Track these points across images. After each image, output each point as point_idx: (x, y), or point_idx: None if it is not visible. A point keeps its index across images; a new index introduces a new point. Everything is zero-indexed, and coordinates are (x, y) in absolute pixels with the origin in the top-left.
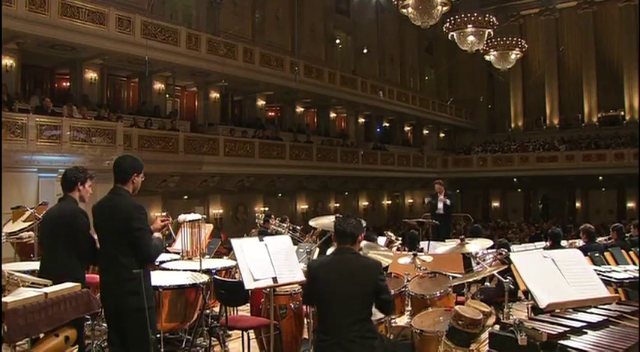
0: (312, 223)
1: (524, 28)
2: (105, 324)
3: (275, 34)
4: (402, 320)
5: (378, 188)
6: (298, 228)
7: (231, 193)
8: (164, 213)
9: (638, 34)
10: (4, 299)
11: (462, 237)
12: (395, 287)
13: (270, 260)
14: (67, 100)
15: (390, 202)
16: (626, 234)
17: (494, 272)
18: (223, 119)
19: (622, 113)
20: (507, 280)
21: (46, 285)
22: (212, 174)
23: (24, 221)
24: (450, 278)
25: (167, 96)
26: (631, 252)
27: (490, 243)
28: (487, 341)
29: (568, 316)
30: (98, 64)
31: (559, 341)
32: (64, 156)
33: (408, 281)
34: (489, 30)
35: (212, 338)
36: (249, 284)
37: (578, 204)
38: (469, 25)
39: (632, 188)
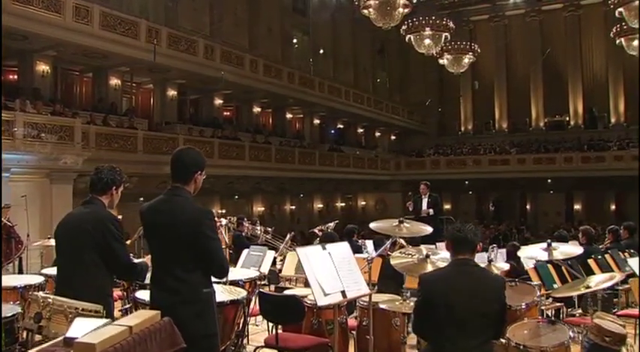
0: (372, 226)
1: (474, 33)
2: None
3: (233, 31)
4: None
5: (333, 190)
6: (270, 230)
7: None
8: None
9: (580, 43)
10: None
11: (549, 241)
12: None
13: (337, 271)
14: (16, 94)
15: (343, 204)
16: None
17: (614, 282)
18: (180, 118)
19: (567, 118)
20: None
21: (97, 311)
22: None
23: None
24: (535, 287)
25: (123, 92)
26: (626, 254)
27: (579, 249)
28: None
29: None
30: (50, 56)
31: None
32: (16, 154)
33: None
34: (446, 34)
35: None
36: (320, 300)
37: (528, 207)
38: (426, 28)
39: (579, 190)
